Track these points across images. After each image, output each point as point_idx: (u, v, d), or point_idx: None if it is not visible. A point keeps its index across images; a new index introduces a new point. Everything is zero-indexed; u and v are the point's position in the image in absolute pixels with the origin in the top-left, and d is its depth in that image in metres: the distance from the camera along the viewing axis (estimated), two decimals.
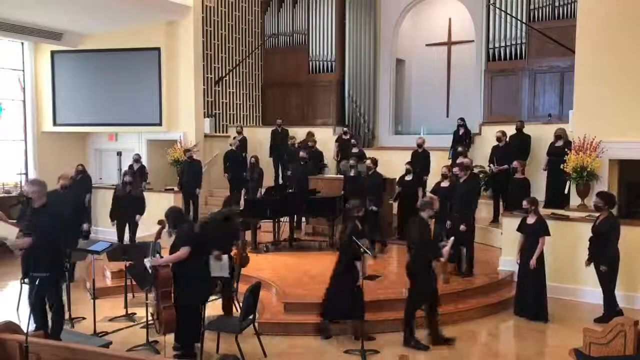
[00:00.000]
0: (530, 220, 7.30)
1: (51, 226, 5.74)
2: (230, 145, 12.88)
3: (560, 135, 10.00)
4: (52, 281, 5.70)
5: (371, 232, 9.03)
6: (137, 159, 12.73)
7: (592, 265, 7.31)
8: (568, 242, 8.10)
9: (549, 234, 7.20)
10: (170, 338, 6.53)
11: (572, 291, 8.00)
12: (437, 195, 9.10)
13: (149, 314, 6.37)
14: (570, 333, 6.58)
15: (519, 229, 7.43)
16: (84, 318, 7.37)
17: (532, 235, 7.21)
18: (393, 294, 7.42)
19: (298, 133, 13.13)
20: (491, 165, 10.77)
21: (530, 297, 7.24)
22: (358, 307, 6.26)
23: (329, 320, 6.66)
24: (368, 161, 10.14)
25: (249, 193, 11.31)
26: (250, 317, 6.01)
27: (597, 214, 7.46)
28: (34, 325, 5.63)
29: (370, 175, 9.94)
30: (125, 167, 13.34)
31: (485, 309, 7.43)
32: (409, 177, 10.35)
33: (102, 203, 12.97)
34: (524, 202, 7.41)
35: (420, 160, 11.16)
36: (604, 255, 7.14)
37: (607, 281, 7.24)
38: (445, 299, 7.33)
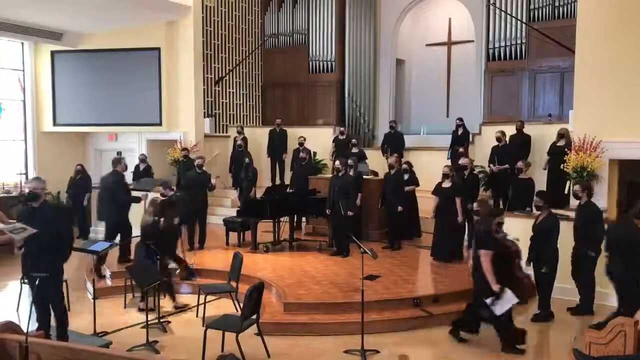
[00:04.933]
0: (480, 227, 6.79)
1: (54, 223, 5.74)
2: (240, 147, 12.85)
3: (563, 134, 10.00)
4: (51, 282, 5.67)
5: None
6: (143, 159, 12.74)
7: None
8: (568, 242, 8.07)
9: None
10: (176, 339, 6.55)
11: (572, 291, 7.98)
12: (439, 196, 9.17)
13: None
14: (570, 333, 6.58)
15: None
16: None
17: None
18: (393, 294, 7.42)
19: (298, 133, 13.15)
20: (491, 165, 10.78)
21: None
22: None
23: None
24: (337, 162, 9.89)
25: (242, 193, 11.34)
26: (254, 316, 6.00)
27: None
28: (37, 325, 5.65)
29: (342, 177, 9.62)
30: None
31: None
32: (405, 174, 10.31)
33: None
34: (475, 205, 7.14)
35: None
36: (544, 255, 7.02)
37: (547, 282, 7.17)
38: (445, 299, 7.36)
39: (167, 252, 7.47)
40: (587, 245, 7.13)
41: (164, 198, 8.36)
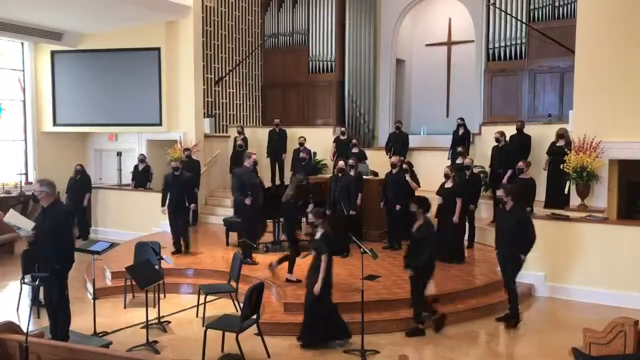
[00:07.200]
0: (317, 235, 6.50)
1: (61, 225, 5.83)
2: (240, 147, 12.85)
3: (562, 134, 10.01)
4: (56, 281, 5.80)
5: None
6: (142, 159, 12.75)
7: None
8: (568, 242, 8.10)
9: (325, 252, 6.25)
10: (176, 339, 6.55)
11: (571, 291, 8.00)
12: (442, 196, 9.16)
13: None
14: (570, 333, 6.58)
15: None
16: None
17: (316, 252, 6.38)
18: (393, 294, 7.42)
19: (297, 133, 13.15)
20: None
21: (321, 322, 6.40)
22: None
23: None
24: (341, 162, 9.81)
25: None
26: (254, 317, 6.01)
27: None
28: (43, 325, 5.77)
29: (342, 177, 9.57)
30: (125, 167, 13.41)
31: (485, 309, 7.42)
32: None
33: (101, 203, 13.00)
34: (310, 215, 6.74)
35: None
36: (416, 260, 6.64)
37: (422, 286, 6.73)
38: (445, 299, 7.35)
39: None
40: (519, 248, 6.88)
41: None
